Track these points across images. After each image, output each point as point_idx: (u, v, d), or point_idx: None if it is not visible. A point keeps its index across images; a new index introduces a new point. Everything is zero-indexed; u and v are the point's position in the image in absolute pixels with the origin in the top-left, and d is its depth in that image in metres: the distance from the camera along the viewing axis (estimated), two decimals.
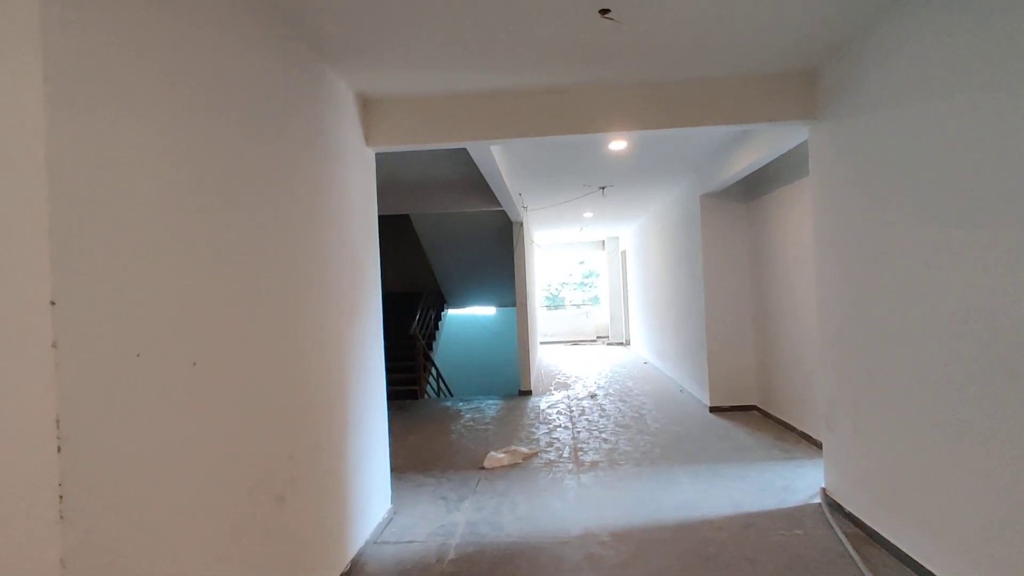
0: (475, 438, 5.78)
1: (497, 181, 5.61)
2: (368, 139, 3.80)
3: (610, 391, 8.08)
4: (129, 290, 1.62)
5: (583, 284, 22.36)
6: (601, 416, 6.54)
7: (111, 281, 1.56)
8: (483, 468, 4.77)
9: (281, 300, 2.52)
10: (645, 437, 5.56)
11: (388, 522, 3.72)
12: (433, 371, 9.94)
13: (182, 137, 1.89)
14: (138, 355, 1.64)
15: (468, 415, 6.86)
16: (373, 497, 3.56)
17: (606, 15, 2.75)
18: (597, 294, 18.90)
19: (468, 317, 13.05)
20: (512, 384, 8.61)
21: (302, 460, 2.64)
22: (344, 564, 3.06)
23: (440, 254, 10.48)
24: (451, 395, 10.43)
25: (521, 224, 8.35)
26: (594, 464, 4.78)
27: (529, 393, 8.08)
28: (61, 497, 1.37)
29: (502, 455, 4.94)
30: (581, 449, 5.24)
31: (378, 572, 3.11)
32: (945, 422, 2.59)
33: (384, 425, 3.89)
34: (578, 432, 5.86)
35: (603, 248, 15.95)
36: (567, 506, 3.90)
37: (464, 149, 4.55)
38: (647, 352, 11.20)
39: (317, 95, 3.03)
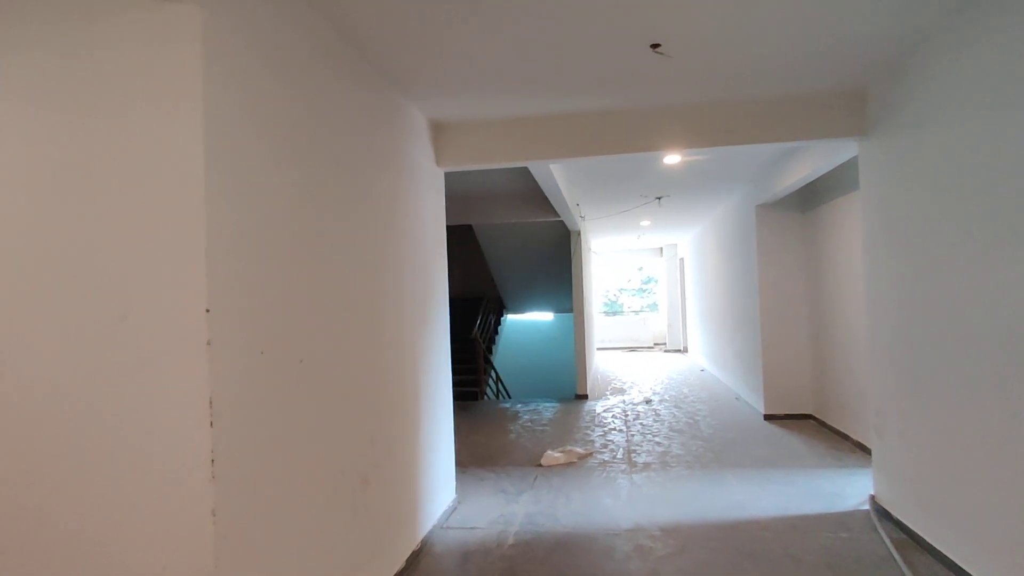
0: (532, 438, 6.08)
1: (556, 194, 5.91)
2: (438, 160, 4.18)
3: (665, 397, 8.21)
4: (258, 300, 2.02)
5: (641, 290, 22.30)
6: (655, 421, 6.71)
7: (247, 294, 1.95)
8: (540, 465, 5.06)
9: (366, 306, 2.90)
10: (698, 442, 5.71)
11: (453, 510, 4.06)
12: (492, 374, 10.32)
13: (304, 167, 2.29)
14: (261, 352, 2.03)
15: (526, 416, 7.17)
16: (440, 487, 3.91)
17: (657, 49, 3.01)
18: (655, 301, 18.85)
19: (526, 322, 13.39)
20: (568, 388, 8.87)
21: (382, 448, 3.01)
22: (415, 543, 3.42)
23: (500, 262, 10.86)
24: (509, 397, 10.77)
25: (579, 233, 8.61)
26: (646, 465, 4.99)
27: (585, 397, 8.31)
28: (213, 461, 1.76)
29: (558, 454, 5.22)
30: (634, 451, 5.45)
31: (445, 553, 3.45)
32: (992, 431, 2.70)
33: (450, 421, 4.25)
34: (632, 435, 6.06)
35: (661, 255, 15.96)
36: (619, 503, 4.14)
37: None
38: (704, 360, 11.20)
39: (393, 121, 3.41)
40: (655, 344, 16.00)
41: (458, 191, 6.99)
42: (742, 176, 6.53)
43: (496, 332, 11.57)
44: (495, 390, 10.41)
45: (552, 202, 6.47)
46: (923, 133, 3.16)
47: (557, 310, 12.72)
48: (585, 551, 3.40)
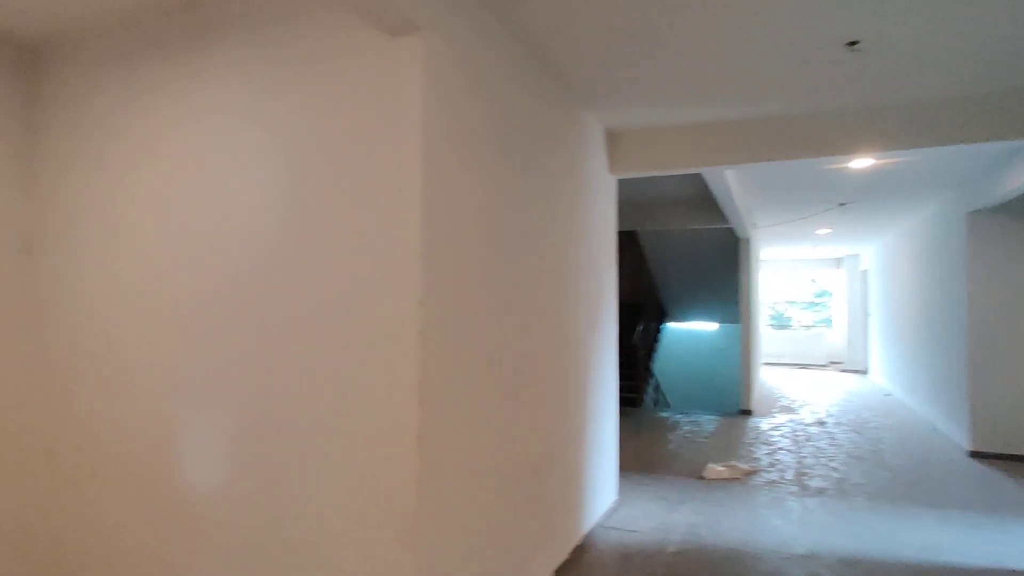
0: (693, 449, 5.94)
1: (727, 200, 5.73)
2: (612, 167, 4.28)
3: (841, 420, 7.53)
4: (457, 297, 2.27)
5: (813, 304, 20.49)
6: (830, 444, 6.20)
7: (450, 290, 2.21)
8: (701, 478, 4.94)
9: (546, 308, 3.09)
10: (882, 472, 5.19)
11: (614, 511, 4.13)
12: (652, 381, 10.18)
13: (497, 178, 2.53)
14: (459, 342, 2.28)
15: (686, 427, 7.00)
16: (603, 486, 4.01)
17: (854, 47, 2.84)
18: (829, 315, 17.22)
19: (688, 331, 12.98)
20: (731, 402, 8.48)
21: (554, 441, 3.18)
22: (579, 537, 3.55)
23: (663, 268, 10.68)
24: (668, 406, 10.54)
25: (748, 241, 8.20)
26: (820, 491, 4.65)
27: (749, 413, 7.89)
28: (419, 437, 2.02)
29: (722, 468, 5.05)
30: (806, 474, 5.10)
31: (606, 551, 3.54)
32: None
33: (614, 423, 4.33)
34: (803, 457, 5.67)
35: (839, 266, 14.58)
36: (789, 526, 3.92)
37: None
38: (890, 383, 10.05)
39: (572, 130, 3.57)
40: (830, 363, 14.63)
41: (624, 197, 7.03)
42: (946, 181, 5.80)
43: (656, 339, 11.38)
44: (654, 398, 10.26)
45: (723, 208, 6.27)
46: None
47: (721, 320, 12.17)
48: (751, 570, 3.29)
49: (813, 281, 19.95)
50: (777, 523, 3.96)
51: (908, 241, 8.49)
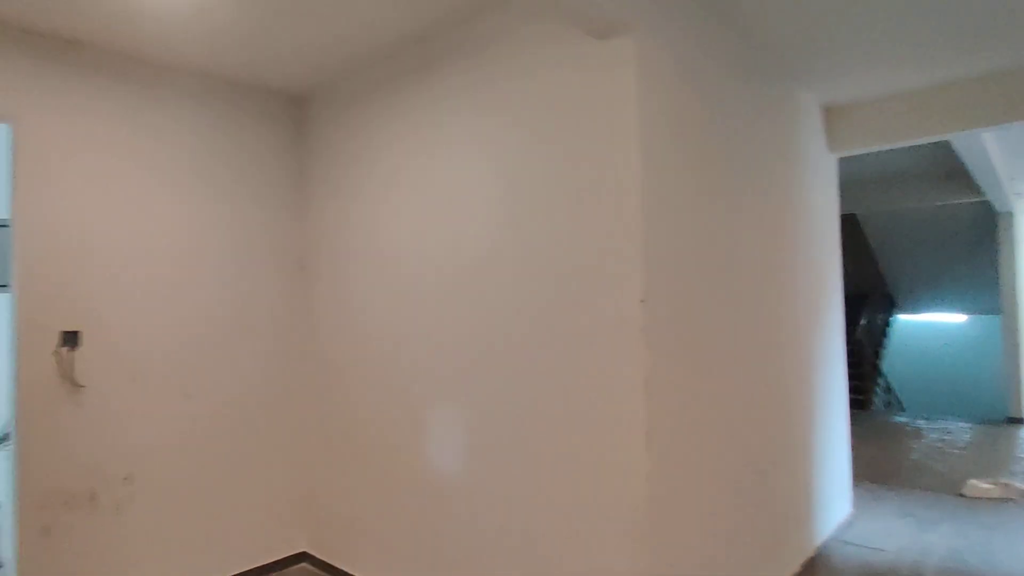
0: (944, 461, 5.12)
1: (984, 169, 4.84)
2: (831, 145, 3.87)
3: None
4: (677, 294, 2.24)
5: None
6: None
7: (670, 286, 2.19)
8: (961, 495, 4.24)
9: (764, 304, 2.90)
10: None
11: (849, 525, 3.73)
12: (880, 381, 8.99)
13: (710, 170, 2.45)
14: (680, 340, 2.24)
15: (932, 435, 6.06)
16: (834, 497, 3.64)
17: None
18: None
19: (926, 323, 11.20)
20: (991, 408, 7.16)
21: (779, 446, 2.98)
22: (810, 550, 3.27)
23: (891, 253, 9.36)
24: (903, 410, 9.23)
25: (1010, 215, 6.85)
26: None
27: (1020, 421, 6.58)
28: (648, 433, 2.03)
29: (988, 485, 4.29)
30: None
31: (844, 568, 3.20)
32: None
33: (844, 427, 3.91)
34: None
35: None
36: None
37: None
38: None
39: (783, 110, 3.29)
40: None
41: (842, 177, 6.31)
42: None
43: (884, 334, 10.02)
44: (885, 400, 9.05)
45: (975, 179, 5.31)
46: None
47: (972, 311, 10.30)
48: None
49: None
50: None
51: None
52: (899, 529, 3.67)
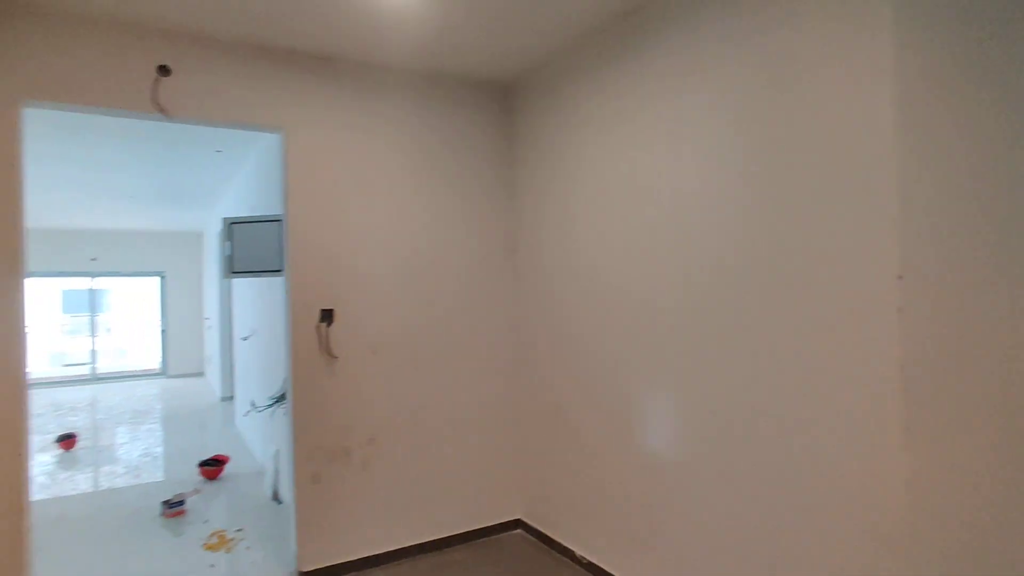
0: None
1: None
2: None
3: None
4: (942, 266, 1.90)
5: None
6: None
7: (934, 259, 1.87)
8: None
9: None
10: None
11: None
12: None
13: (985, 123, 2.05)
14: (954, 324, 1.91)
15: None
16: None
17: None
18: None
19: None
20: None
21: None
22: None
23: None
24: None
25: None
26: None
27: None
28: (907, 429, 1.77)
29: None
30: None
31: None
32: None
33: None
34: None
35: None
36: None
37: None
38: None
39: None
40: None
41: None
42: None
43: None
44: None
45: None
46: None
47: None
48: None
49: None
50: None
51: None
52: None
